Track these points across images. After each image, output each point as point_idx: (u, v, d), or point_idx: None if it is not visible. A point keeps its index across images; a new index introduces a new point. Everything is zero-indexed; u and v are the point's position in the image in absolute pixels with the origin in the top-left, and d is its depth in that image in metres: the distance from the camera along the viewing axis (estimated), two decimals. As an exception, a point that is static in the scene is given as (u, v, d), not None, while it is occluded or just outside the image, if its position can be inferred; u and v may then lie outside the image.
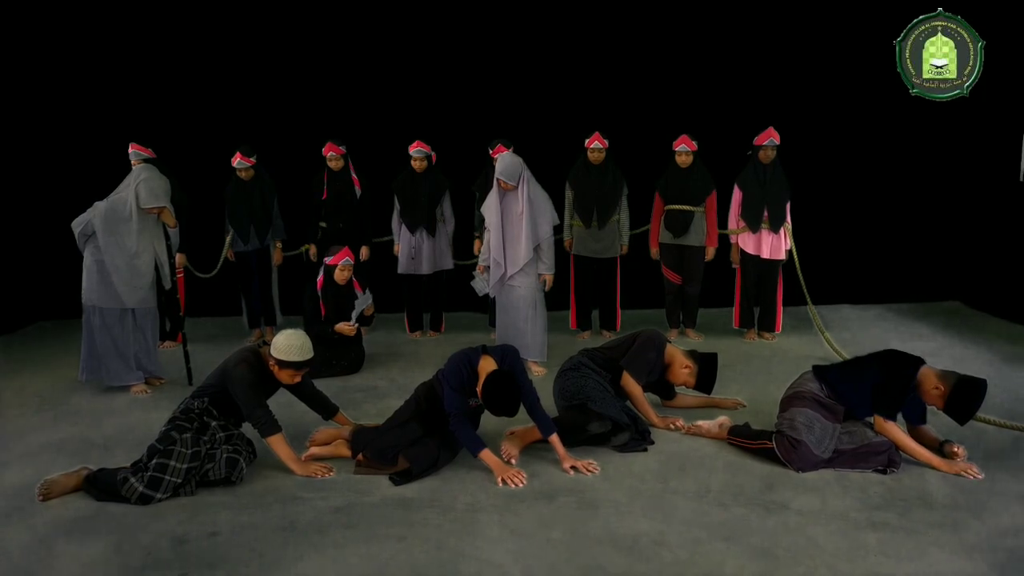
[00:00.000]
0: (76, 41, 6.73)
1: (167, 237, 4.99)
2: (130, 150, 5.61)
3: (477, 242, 6.06)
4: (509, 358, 3.69)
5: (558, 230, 5.41)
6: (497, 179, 4.94)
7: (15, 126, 6.74)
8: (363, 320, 5.57)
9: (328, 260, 5.35)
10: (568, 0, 6.81)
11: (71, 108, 6.82)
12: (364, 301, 5.43)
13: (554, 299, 5.57)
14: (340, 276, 5.31)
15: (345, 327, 5.21)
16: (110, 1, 6.66)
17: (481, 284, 5.26)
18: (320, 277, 5.36)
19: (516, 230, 4.96)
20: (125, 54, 6.78)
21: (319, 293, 5.33)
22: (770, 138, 5.74)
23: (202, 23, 6.77)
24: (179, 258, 5.80)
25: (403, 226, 6.14)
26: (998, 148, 6.58)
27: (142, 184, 4.62)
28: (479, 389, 3.54)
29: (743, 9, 6.78)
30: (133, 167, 5.33)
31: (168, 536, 3.03)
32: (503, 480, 3.45)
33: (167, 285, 4.93)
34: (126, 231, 4.66)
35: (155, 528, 3.10)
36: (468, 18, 6.83)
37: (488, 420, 3.88)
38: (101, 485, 3.35)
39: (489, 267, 5.11)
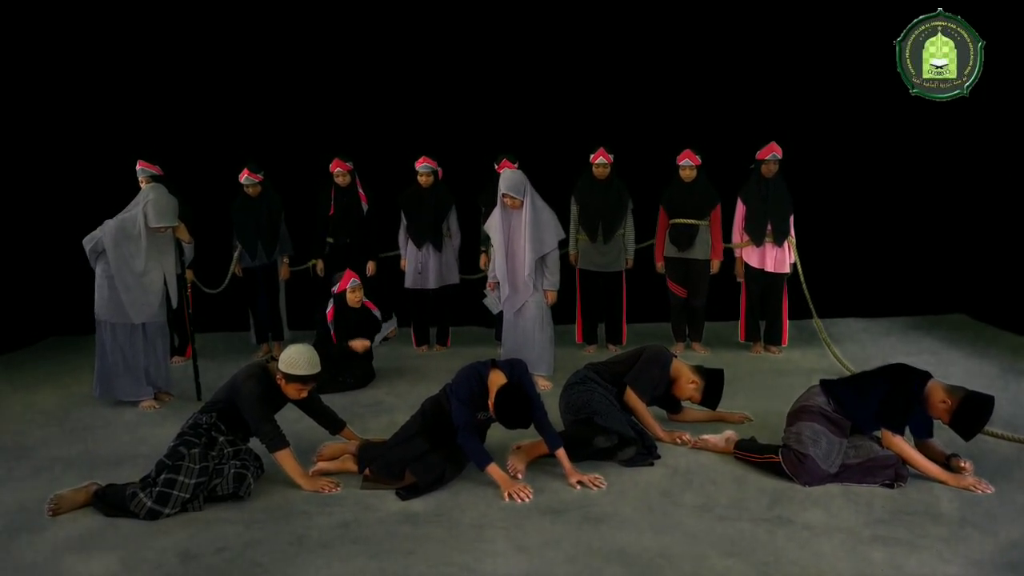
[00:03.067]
0: (85, 57, 6.82)
1: (182, 252, 5.03)
2: (137, 167, 5.66)
3: (483, 257, 6.09)
4: (518, 371, 3.70)
5: (563, 244, 5.43)
6: (502, 196, 4.96)
7: (24, 142, 6.82)
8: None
9: (336, 289, 5.35)
10: (572, 16, 6.87)
11: (79, 124, 6.89)
12: (389, 326, 5.43)
13: (560, 313, 5.58)
14: (353, 299, 5.32)
15: (358, 343, 5.20)
16: (119, 18, 6.75)
17: (494, 301, 5.28)
18: (330, 308, 5.34)
19: (519, 252, 4.98)
20: (133, 70, 6.86)
21: (329, 325, 5.31)
22: (772, 152, 5.76)
23: (210, 40, 6.84)
24: (187, 274, 5.83)
25: (409, 241, 6.17)
26: (1000, 156, 6.58)
27: (150, 204, 4.67)
28: (491, 403, 3.56)
29: (743, 15, 6.81)
30: (141, 185, 5.39)
31: (176, 551, 3.05)
32: (509, 495, 3.45)
33: (175, 304, 4.96)
34: (135, 249, 4.70)
35: (163, 543, 3.12)
36: (474, 34, 6.89)
37: (494, 435, 3.89)
38: (110, 500, 3.37)
39: (498, 283, 5.13)
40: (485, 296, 5.37)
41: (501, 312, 5.26)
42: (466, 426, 3.57)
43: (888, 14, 5.44)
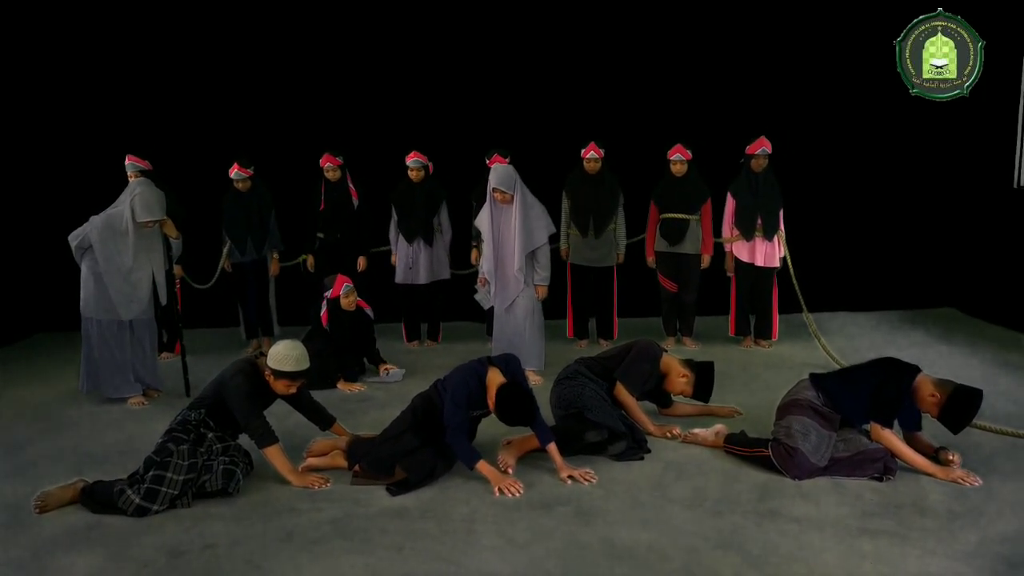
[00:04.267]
0: (74, 52, 6.77)
1: (169, 248, 5.00)
2: (127, 162, 5.63)
3: (475, 252, 6.08)
4: (511, 367, 3.71)
5: (554, 239, 5.43)
6: (492, 191, 4.95)
7: (13, 138, 6.77)
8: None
9: (329, 294, 5.27)
10: (563, 11, 6.86)
11: (69, 119, 6.84)
12: (397, 375, 5.39)
13: (551, 308, 5.58)
14: (347, 303, 5.27)
15: (344, 386, 5.15)
16: (108, 13, 6.70)
17: (485, 297, 5.27)
18: (324, 312, 5.29)
19: (509, 247, 4.97)
20: (122, 65, 6.81)
21: (326, 329, 5.26)
22: (762, 147, 5.77)
23: (199, 35, 6.81)
24: (176, 269, 5.80)
25: (400, 236, 6.16)
26: (994, 152, 6.61)
27: (137, 198, 4.63)
28: (490, 401, 3.56)
29: (740, 10, 6.82)
30: (130, 179, 5.36)
31: (165, 548, 3.03)
32: (500, 490, 3.45)
33: (163, 300, 4.93)
34: (122, 245, 4.67)
35: (151, 540, 3.10)
36: (464, 29, 6.87)
37: (484, 430, 3.88)
38: (98, 497, 3.35)
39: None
40: (476, 292, 5.36)
41: (492, 307, 5.25)
42: (456, 427, 3.56)
43: (888, 14, 5.45)
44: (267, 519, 3.26)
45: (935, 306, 7.23)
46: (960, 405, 3.43)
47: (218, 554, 2.99)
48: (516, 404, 3.51)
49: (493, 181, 4.94)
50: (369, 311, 5.52)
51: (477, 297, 5.39)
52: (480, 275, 5.29)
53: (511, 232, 4.96)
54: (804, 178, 6.56)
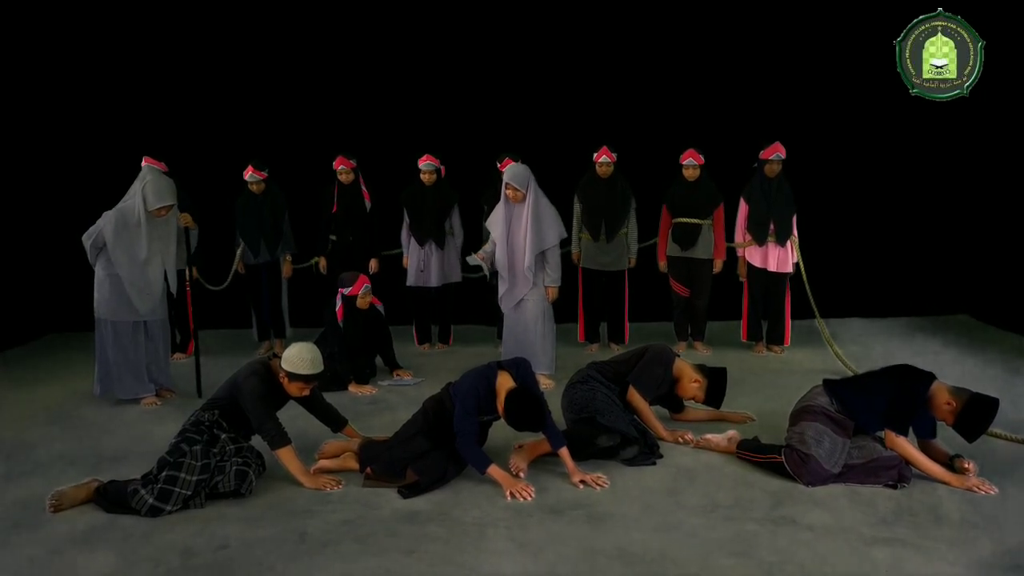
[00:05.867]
0: (88, 54, 6.81)
1: (188, 239, 5.01)
2: (143, 164, 5.64)
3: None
4: (522, 371, 3.70)
5: (566, 243, 5.41)
6: (505, 188, 4.95)
7: (26, 139, 6.81)
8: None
9: (347, 291, 5.26)
10: (576, 14, 6.86)
11: (83, 121, 6.89)
12: (414, 380, 5.39)
13: (562, 312, 5.58)
14: (364, 303, 5.29)
15: (355, 388, 5.15)
16: (123, 15, 6.75)
17: (475, 260, 5.19)
18: (339, 307, 5.29)
19: (520, 246, 4.98)
20: (137, 67, 6.86)
21: (339, 327, 5.26)
22: (776, 152, 5.75)
23: (214, 37, 6.84)
24: (192, 271, 5.82)
25: (412, 239, 6.17)
26: (1001, 156, 6.57)
27: (148, 186, 4.64)
28: (500, 407, 3.55)
29: (745, 14, 6.81)
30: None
31: (177, 549, 3.04)
32: (511, 494, 3.44)
33: (173, 291, 4.93)
34: (136, 237, 4.67)
35: (164, 541, 3.11)
36: (477, 32, 6.89)
37: (496, 434, 3.88)
38: (111, 497, 3.37)
39: (488, 254, 5.11)
40: (471, 256, 5.26)
41: (499, 307, 5.24)
42: (466, 434, 3.55)
43: (888, 14, 5.43)
44: (279, 520, 3.27)
45: (949, 313, 7.17)
46: (976, 413, 3.41)
47: (230, 555, 3.00)
48: (525, 410, 3.50)
49: (506, 177, 4.97)
50: (381, 308, 5.52)
51: (469, 259, 5.30)
52: (479, 252, 5.22)
53: (522, 231, 4.97)
54: (815, 183, 6.53)
